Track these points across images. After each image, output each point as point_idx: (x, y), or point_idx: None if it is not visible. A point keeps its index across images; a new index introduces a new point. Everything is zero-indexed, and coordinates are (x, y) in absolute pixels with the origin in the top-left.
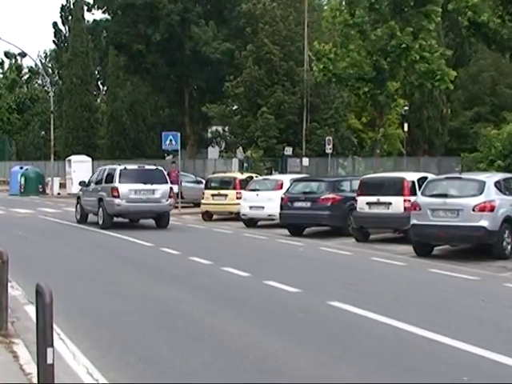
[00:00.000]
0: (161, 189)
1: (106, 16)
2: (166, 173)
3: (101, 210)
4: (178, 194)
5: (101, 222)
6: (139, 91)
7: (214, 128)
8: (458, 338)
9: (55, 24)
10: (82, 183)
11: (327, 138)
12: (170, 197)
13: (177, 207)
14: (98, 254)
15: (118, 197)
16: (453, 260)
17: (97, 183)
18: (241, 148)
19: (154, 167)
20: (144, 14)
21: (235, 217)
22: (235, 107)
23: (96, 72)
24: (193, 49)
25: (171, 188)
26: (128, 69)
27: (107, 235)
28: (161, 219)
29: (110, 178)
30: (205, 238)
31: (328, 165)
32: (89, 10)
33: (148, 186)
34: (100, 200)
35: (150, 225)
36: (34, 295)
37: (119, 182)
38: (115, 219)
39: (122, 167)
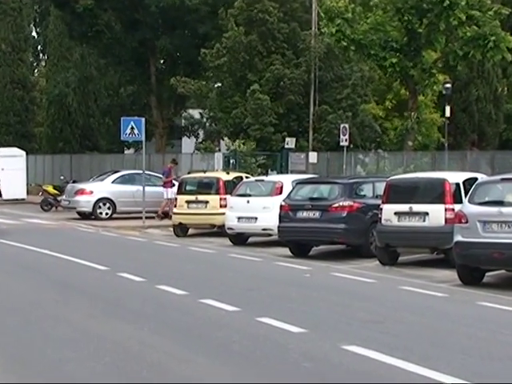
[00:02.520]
0: None
1: None
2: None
3: None
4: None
5: None
6: (90, 63)
7: (189, 112)
8: None
9: None
10: None
11: (342, 126)
12: None
13: (141, 218)
14: (32, 281)
15: None
16: (510, 291)
17: None
18: (226, 139)
19: None
20: None
21: (218, 231)
22: (218, 84)
23: (33, 37)
24: (159, 4)
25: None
26: (73, 33)
27: (44, 254)
28: None
29: None
30: (177, 260)
31: (343, 162)
32: None
33: None
34: None
35: (104, 241)
36: None
37: None
38: None
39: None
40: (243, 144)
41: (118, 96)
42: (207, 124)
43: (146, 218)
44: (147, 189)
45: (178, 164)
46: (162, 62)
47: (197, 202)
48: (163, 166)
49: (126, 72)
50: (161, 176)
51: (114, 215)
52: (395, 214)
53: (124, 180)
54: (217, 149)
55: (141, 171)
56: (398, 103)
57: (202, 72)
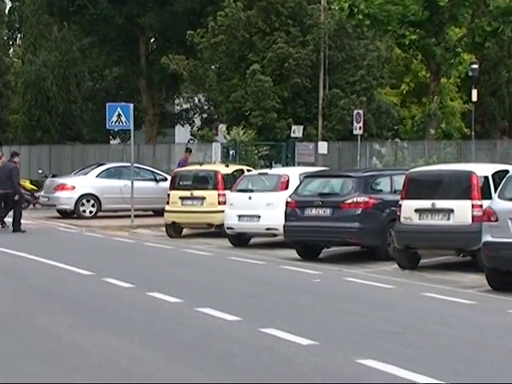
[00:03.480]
0: None
1: None
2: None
3: None
4: None
5: None
6: (71, 42)
7: (184, 97)
8: None
9: None
10: None
11: (356, 112)
12: None
13: (129, 217)
14: (7, 287)
15: None
16: None
17: None
18: (223, 126)
19: None
20: None
21: (216, 231)
22: (216, 65)
23: (6, 12)
24: None
25: None
26: (52, 8)
27: (21, 257)
28: None
29: None
30: (170, 264)
31: (357, 152)
32: None
33: None
34: None
35: (87, 242)
36: None
37: None
38: None
39: None
40: (243, 132)
41: (103, 79)
42: (205, 108)
43: (135, 216)
44: (136, 184)
45: (171, 155)
46: (152, 40)
47: (192, 198)
48: (152, 160)
49: (112, 52)
50: (151, 169)
51: (99, 213)
52: (416, 211)
53: (110, 174)
54: (215, 138)
55: (129, 164)
56: (417, 87)
57: (198, 53)
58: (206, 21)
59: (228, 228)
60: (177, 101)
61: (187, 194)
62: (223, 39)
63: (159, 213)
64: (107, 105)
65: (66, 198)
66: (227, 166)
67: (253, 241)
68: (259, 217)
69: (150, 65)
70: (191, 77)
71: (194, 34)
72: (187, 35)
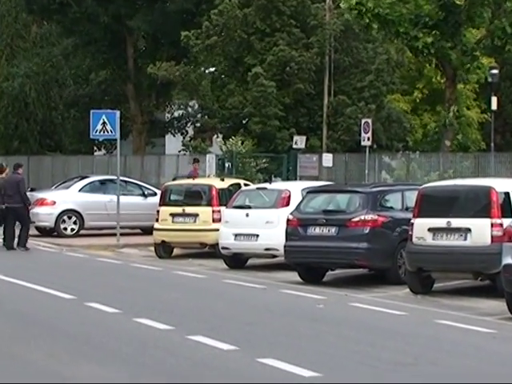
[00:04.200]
0: None
1: None
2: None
3: None
4: None
5: None
6: (52, 43)
7: (176, 103)
8: None
9: None
10: None
11: (364, 122)
12: None
13: (114, 235)
14: None
15: None
16: None
17: None
18: (218, 138)
19: None
20: None
21: (210, 251)
22: (211, 69)
23: None
24: None
25: None
26: (31, 6)
27: None
28: None
29: None
30: (160, 287)
31: (365, 166)
32: None
33: None
34: None
35: (69, 263)
36: None
37: None
38: None
39: None
40: (241, 143)
41: (87, 84)
42: (198, 116)
43: (122, 234)
44: (123, 199)
45: (161, 168)
46: (141, 42)
47: (184, 215)
48: (140, 173)
49: (97, 54)
50: (139, 183)
51: (82, 231)
52: (429, 230)
53: (94, 188)
54: (209, 149)
55: (115, 177)
56: (430, 94)
57: (191, 56)
58: (200, 21)
59: (223, 248)
60: (168, 108)
61: (178, 210)
62: (218, 40)
63: (148, 231)
64: (91, 112)
65: (46, 215)
66: (222, 179)
67: (250, 262)
68: (257, 236)
69: (139, 69)
70: (183, 83)
71: (189, 34)
72: (182, 36)
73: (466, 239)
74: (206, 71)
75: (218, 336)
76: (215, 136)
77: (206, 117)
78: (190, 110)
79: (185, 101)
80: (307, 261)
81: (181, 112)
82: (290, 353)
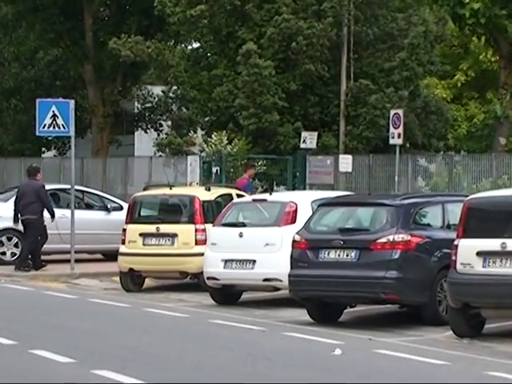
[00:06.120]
0: None
1: None
2: None
3: None
4: None
5: None
6: None
7: (148, 89)
8: None
9: None
10: None
11: (393, 113)
12: None
13: (68, 262)
14: None
15: None
16: None
17: None
18: (198, 134)
19: None
20: None
21: (193, 283)
22: (194, 45)
23: None
24: None
25: None
26: None
27: None
28: None
29: None
30: (127, 330)
31: (395, 170)
32: None
33: None
34: None
35: (9, 298)
36: None
37: None
38: None
39: None
40: (228, 140)
41: (33, 65)
42: (173, 108)
43: (77, 261)
44: (79, 214)
45: (128, 173)
46: (102, 10)
47: (158, 235)
48: (103, 180)
49: (46, 26)
50: (100, 193)
51: None
52: (479, 254)
53: None
54: (191, 149)
55: (68, 186)
56: (478, 77)
57: (167, 29)
58: None
59: (209, 278)
60: (137, 96)
61: (151, 229)
62: (203, 10)
63: (111, 256)
64: (38, 101)
65: None
66: (208, 189)
67: (244, 296)
68: (254, 262)
69: (100, 45)
70: (156, 64)
71: (165, 0)
72: (155, 3)
73: None
74: (188, 48)
75: None
76: (192, 133)
77: (184, 108)
78: (166, 98)
79: (159, 87)
80: (319, 294)
81: (154, 101)
82: None
